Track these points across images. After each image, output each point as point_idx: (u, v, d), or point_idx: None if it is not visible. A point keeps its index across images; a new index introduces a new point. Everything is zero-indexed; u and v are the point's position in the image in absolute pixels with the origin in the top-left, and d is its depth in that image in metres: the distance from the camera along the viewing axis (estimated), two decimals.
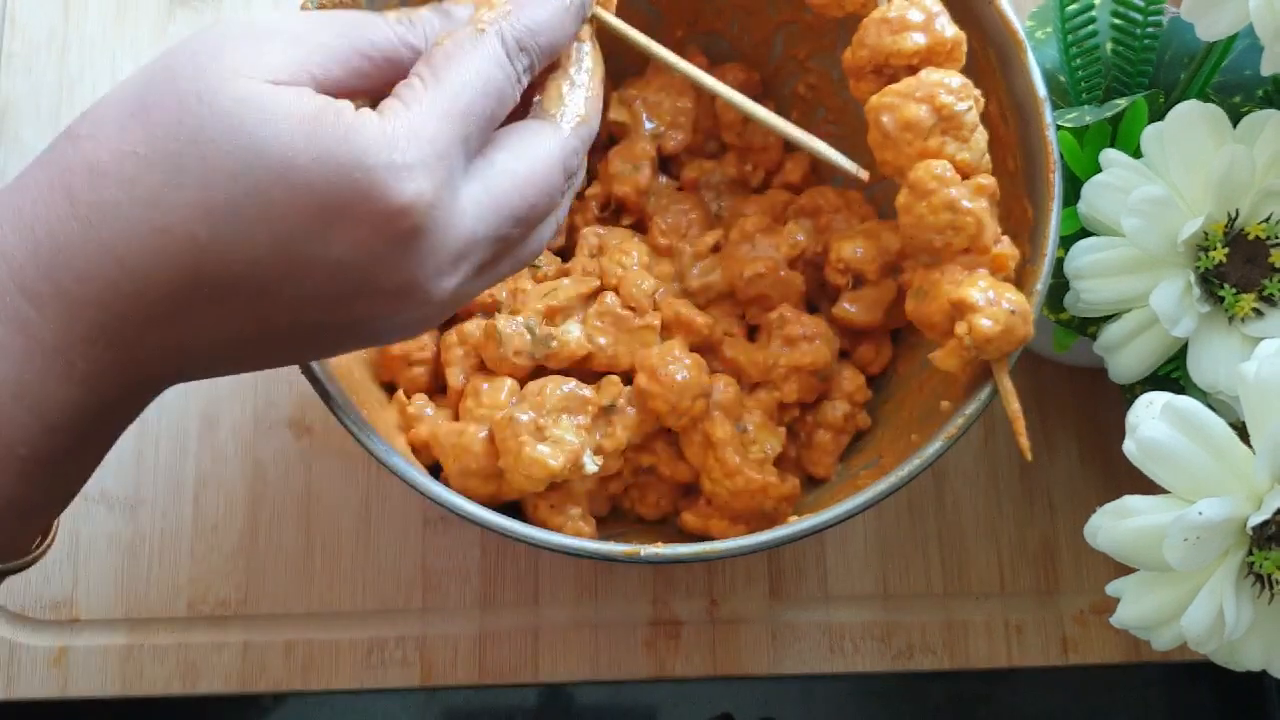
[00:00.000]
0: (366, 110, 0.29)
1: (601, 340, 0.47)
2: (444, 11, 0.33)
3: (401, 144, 0.28)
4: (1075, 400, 0.56)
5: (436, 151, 0.29)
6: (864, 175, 0.38)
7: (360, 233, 0.28)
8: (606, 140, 0.53)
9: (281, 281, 0.29)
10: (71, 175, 0.28)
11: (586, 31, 0.36)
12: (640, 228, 0.52)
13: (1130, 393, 0.44)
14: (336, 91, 0.30)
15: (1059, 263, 0.42)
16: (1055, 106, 0.43)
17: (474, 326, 0.47)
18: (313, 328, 0.30)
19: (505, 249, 0.32)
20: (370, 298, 0.30)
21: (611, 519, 0.49)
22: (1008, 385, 0.39)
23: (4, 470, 0.28)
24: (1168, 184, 0.41)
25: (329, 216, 0.28)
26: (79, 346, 0.28)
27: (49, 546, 0.33)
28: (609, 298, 0.47)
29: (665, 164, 0.54)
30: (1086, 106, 0.45)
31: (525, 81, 0.32)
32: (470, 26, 0.31)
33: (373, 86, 0.31)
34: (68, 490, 0.31)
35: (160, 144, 0.28)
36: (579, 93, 0.34)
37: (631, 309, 0.47)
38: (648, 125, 0.52)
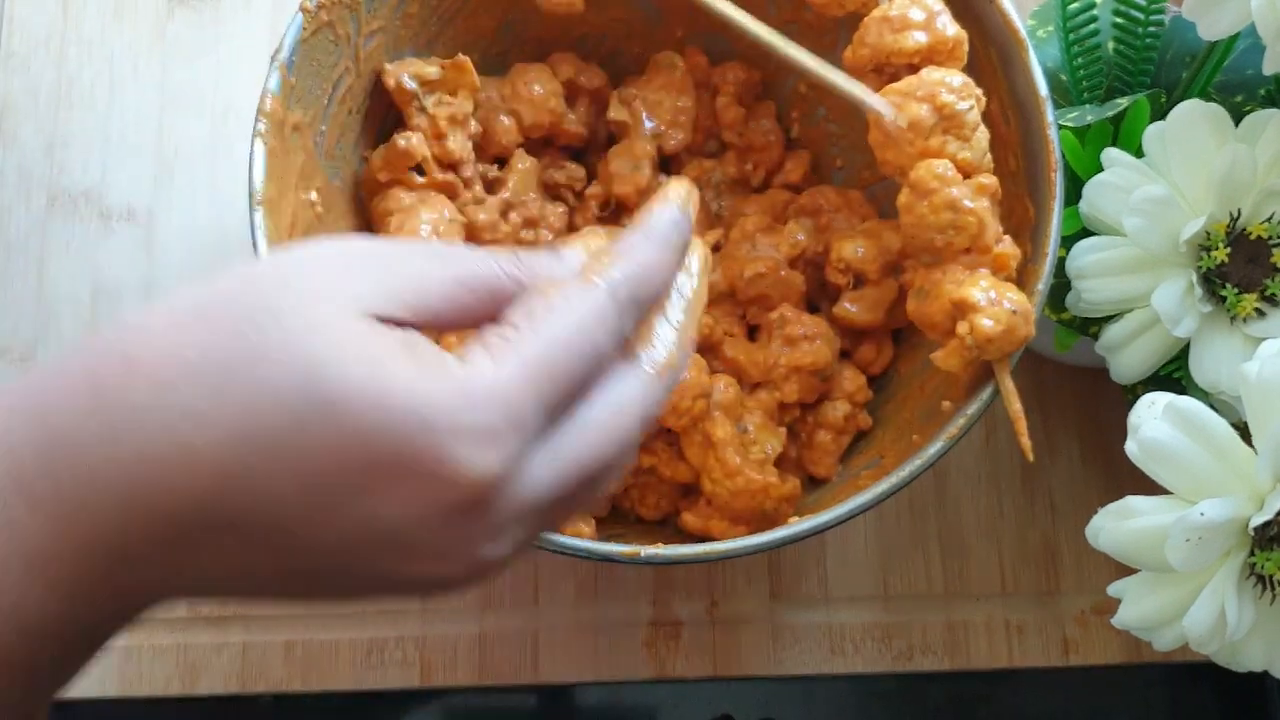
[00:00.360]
0: (447, 358, 0.26)
1: None
2: (556, 255, 0.30)
3: (477, 408, 0.25)
4: (1077, 400, 0.56)
5: (513, 421, 0.26)
6: (890, 113, 0.37)
7: (409, 496, 0.25)
8: (606, 139, 0.53)
9: (310, 529, 0.25)
10: (104, 366, 0.25)
11: (696, 249, 0.33)
12: None
13: (1132, 393, 0.44)
14: (433, 322, 0.27)
15: (1060, 262, 0.42)
16: (1057, 105, 0.43)
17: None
18: (333, 574, 0.27)
19: (568, 506, 0.29)
20: (404, 558, 0.26)
21: (611, 519, 0.49)
22: (1009, 385, 0.39)
23: None
24: (1169, 183, 0.41)
25: (376, 473, 0.25)
26: (69, 560, 0.25)
27: None
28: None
29: (665, 164, 0.54)
30: (1088, 106, 0.45)
31: (629, 333, 0.29)
32: (579, 276, 0.28)
33: (473, 321, 0.28)
34: (45, 694, 0.27)
35: (213, 353, 0.25)
36: (671, 334, 0.31)
37: None
38: (648, 125, 0.52)
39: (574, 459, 0.27)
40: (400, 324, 0.26)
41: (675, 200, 0.31)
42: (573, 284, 0.28)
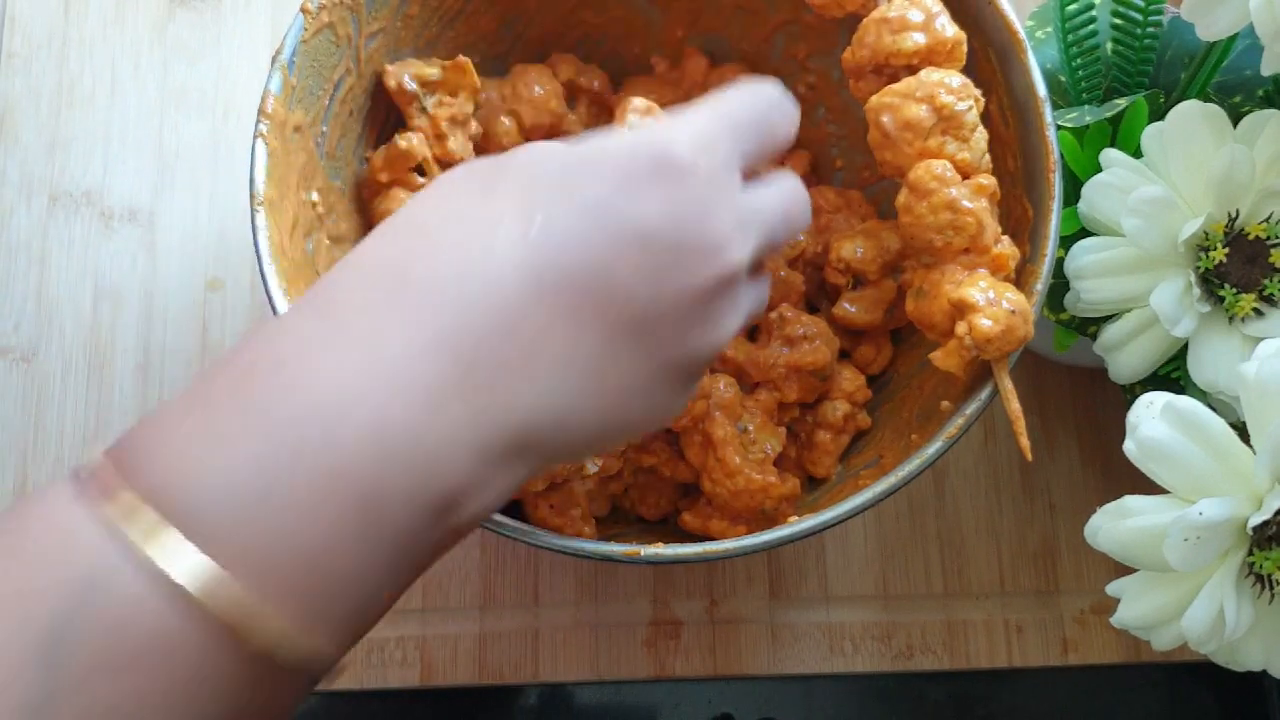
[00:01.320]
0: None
1: None
2: None
3: (685, 126, 0.32)
4: (1075, 400, 0.56)
5: (709, 139, 0.32)
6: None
7: (659, 192, 0.30)
8: None
9: (605, 263, 0.30)
10: (407, 219, 0.31)
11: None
12: None
13: (1130, 393, 0.44)
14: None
15: (1059, 263, 0.42)
16: (1055, 106, 0.43)
17: None
18: (648, 310, 0.31)
19: (767, 254, 0.35)
20: (689, 256, 0.31)
21: (611, 519, 0.49)
22: (1008, 385, 0.39)
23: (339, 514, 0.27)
24: (1168, 184, 0.41)
25: (630, 184, 0.30)
26: (430, 355, 0.28)
27: (345, 667, 0.30)
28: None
29: None
30: (1087, 106, 0.45)
31: (792, 135, 0.35)
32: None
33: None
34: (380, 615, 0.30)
35: (475, 186, 0.31)
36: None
37: None
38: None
39: (768, 200, 0.34)
40: None
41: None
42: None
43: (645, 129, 0.32)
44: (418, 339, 0.28)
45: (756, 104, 0.34)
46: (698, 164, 0.31)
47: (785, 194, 0.35)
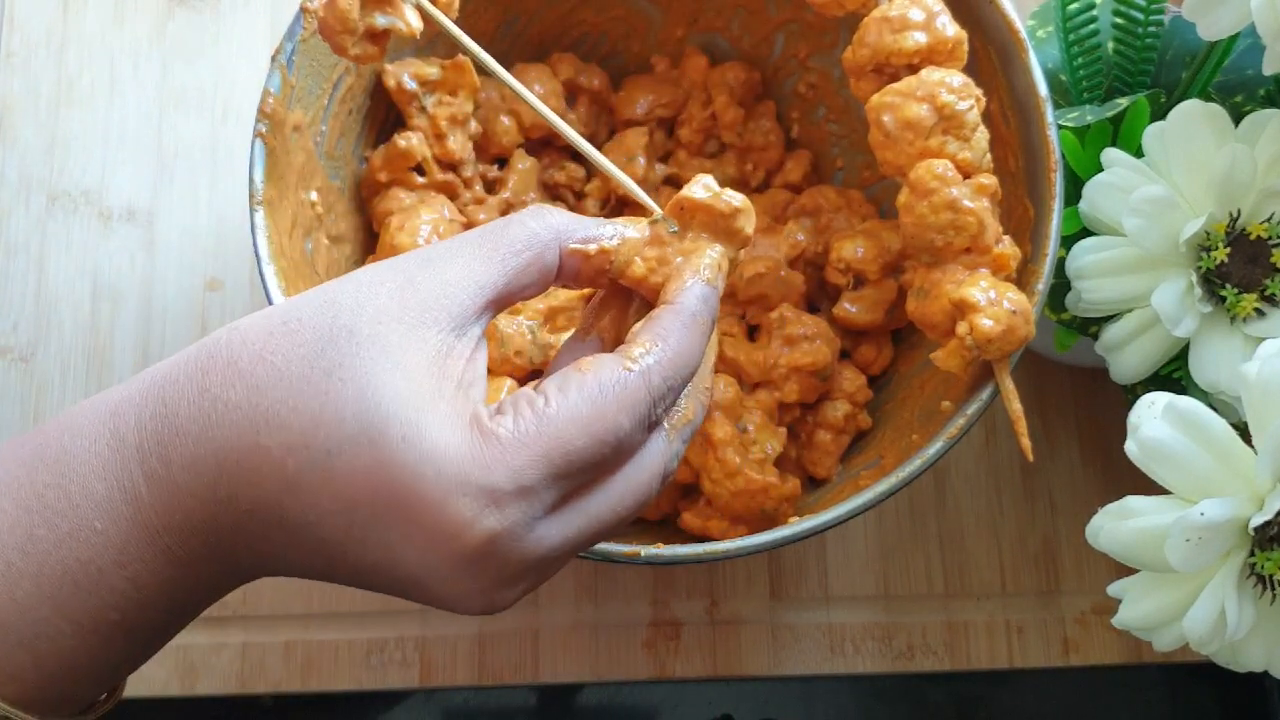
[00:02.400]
0: (480, 410, 0.29)
1: None
2: (601, 224, 0.33)
3: (488, 467, 0.28)
4: (1076, 400, 0.56)
5: (519, 487, 0.28)
6: (657, 211, 0.36)
7: (418, 539, 0.28)
8: (606, 139, 0.53)
9: (344, 544, 0.28)
10: (213, 362, 0.29)
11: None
12: None
13: (1132, 393, 0.44)
14: (510, 292, 0.31)
15: (1060, 262, 0.42)
16: (1056, 106, 0.43)
17: None
18: (374, 586, 0.30)
19: (579, 551, 0.31)
20: (423, 593, 0.29)
21: None
22: (1009, 385, 0.39)
23: (94, 632, 0.28)
24: (1169, 184, 0.41)
25: (395, 509, 0.28)
26: (176, 534, 0.29)
27: (116, 701, 0.33)
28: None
29: (665, 159, 0.54)
30: (1088, 106, 0.45)
31: (662, 420, 0.31)
32: (620, 359, 0.30)
33: (540, 288, 0.32)
34: (145, 655, 0.31)
35: (295, 365, 0.28)
36: (690, 395, 0.33)
37: None
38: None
39: (594, 517, 0.30)
40: (471, 318, 0.30)
41: (706, 271, 0.33)
42: (610, 366, 0.30)
43: (462, 443, 0.28)
44: (170, 520, 0.29)
45: (610, 421, 0.29)
46: (470, 526, 0.28)
47: (633, 482, 0.31)
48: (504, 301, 0.31)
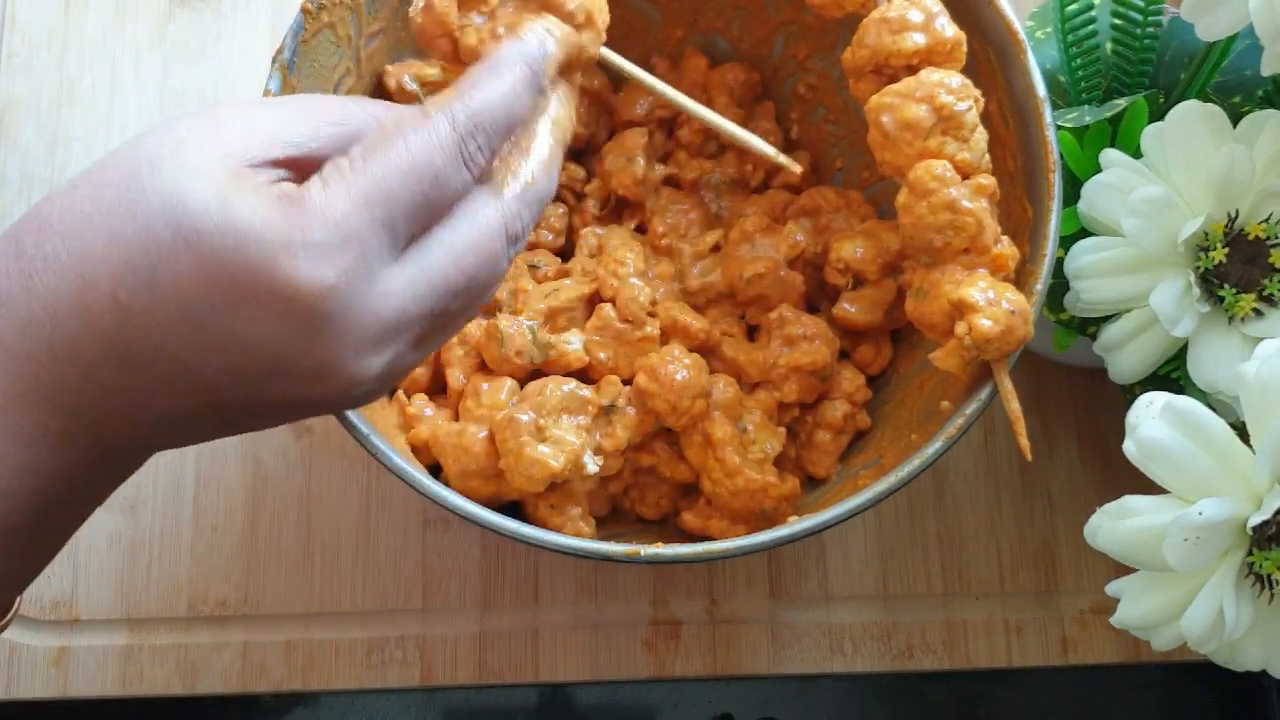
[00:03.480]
0: (287, 186, 0.29)
1: (601, 355, 0.47)
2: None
3: (307, 226, 0.27)
4: (1075, 400, 0.56)
5: (343, 235, 0.28)
6: (796, 168, 0.41)
7: (260, 314, 0.28)
8: (607, 139, 0.53)
9: (198, 355, 0.28)
10: (23, 228, 0.28)
11: (559, 87, 0.35)
12: (642, 229, 0.52)
13: (1130, 393, 0.44)
14: (298, 158, 0.30)
15: (1059, 263, 0.42)
16: (1055, 106, 0.43)
17: (475, 327, 0.47)
18: (243, 404, 0.30)
19: (445, 321, 0.31)
20: (287, 378, 0.29)
21: (611, 519, 0.49)
22: (1007, 385, 0.39)
23: None
24: (1168, 184, 0.41)
25: (231, 294, 0.27)
26: (21, 406, 0.28)
27: (8, 623, 0.32)
28: (607, 310, 0.47)
29: (665, 160, 0.54)
30: (1086, 106, 0.45)
31: (482, 161, 0.31)
32: (418, 108, 0.30)
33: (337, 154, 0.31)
34: (30, 564, 0.30)
35: (103, 203, 0.28)
36: (528, 159, 0.33)
37: (629, 322, 0.47)
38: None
39: (436, 272, 0.30)
40: (269, 164, 0.29)
41: (530, 36, 0.33)
42: (409, 113, 0.30)
43: (273, 210, 0.28)
44: (16, 389, 0.28)
45: (426, 155, 0.29)
46: (310, 282, 0.27)
47: (470, 233, 0.31)
48: (304, 165, 0.30)
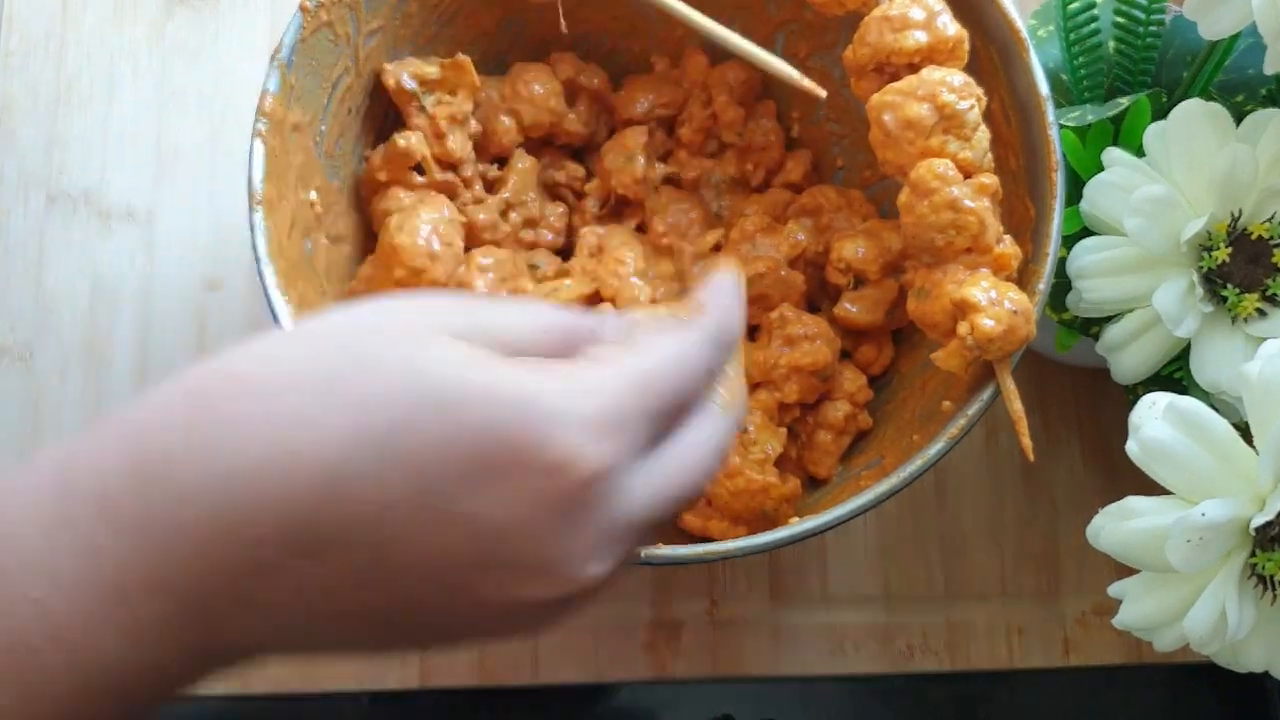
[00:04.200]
0: (551, 362, 0.26)
1: None
2: (627, 318, 0.30)
3: (587, 399, 0.25)
4: (1077, 400, 0.55)
5: (621, 419, 0.25)
6: (821, 92, 0.41)
7: (515, 490, 0.24)
8: (606, 138, 0.53)
9: (409, 537, 0.24)
10: (205, 382, 0.24)
11: None
12: (643, 228, 0.52)
13: (1133, 393, 0.44)
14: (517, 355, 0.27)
15: (1061, 262, 0.42)
16: (1057, 105, 0.43)
17: None
18: (428, 606, 0.26)
19: (655, 531, 0.28)
20: (506, 571, 0.25)
21: None
22: (1010, 385, 0.39)
23: None
24: (1170, 183, 0.41)
25: (485, 466, 0.24)
26: (143, 587, 0.23)
27: None
28: (606, 310, 0.47)
29: (665, 159, 0.54)
30: (1089, 105, 0.45)
31: (716, 382, 0.30)
32: (670, 317, 0.29)
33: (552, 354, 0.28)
34: None
35: (319, 364, 0.24)
36: (736, 384, 0.32)
37: None
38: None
39: (672, 481, 0.27)
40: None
41: (730, 272, 0.32)
42: (664, 319, 0.29)
43: (547, 396, 0.25)
44: (141, 572, 0.23)
45: (681, 365, 0.27)
46: (584, 464, 0.24)
47: (703, 448, 0.28)
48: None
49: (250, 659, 0.26)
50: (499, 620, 0.26)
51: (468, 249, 0.47)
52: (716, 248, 0.50)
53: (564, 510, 0.25)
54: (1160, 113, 0.42)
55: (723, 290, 0.31)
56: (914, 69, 0.39)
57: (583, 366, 0.26)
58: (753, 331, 0.50)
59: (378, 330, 0.25)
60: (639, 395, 0.26)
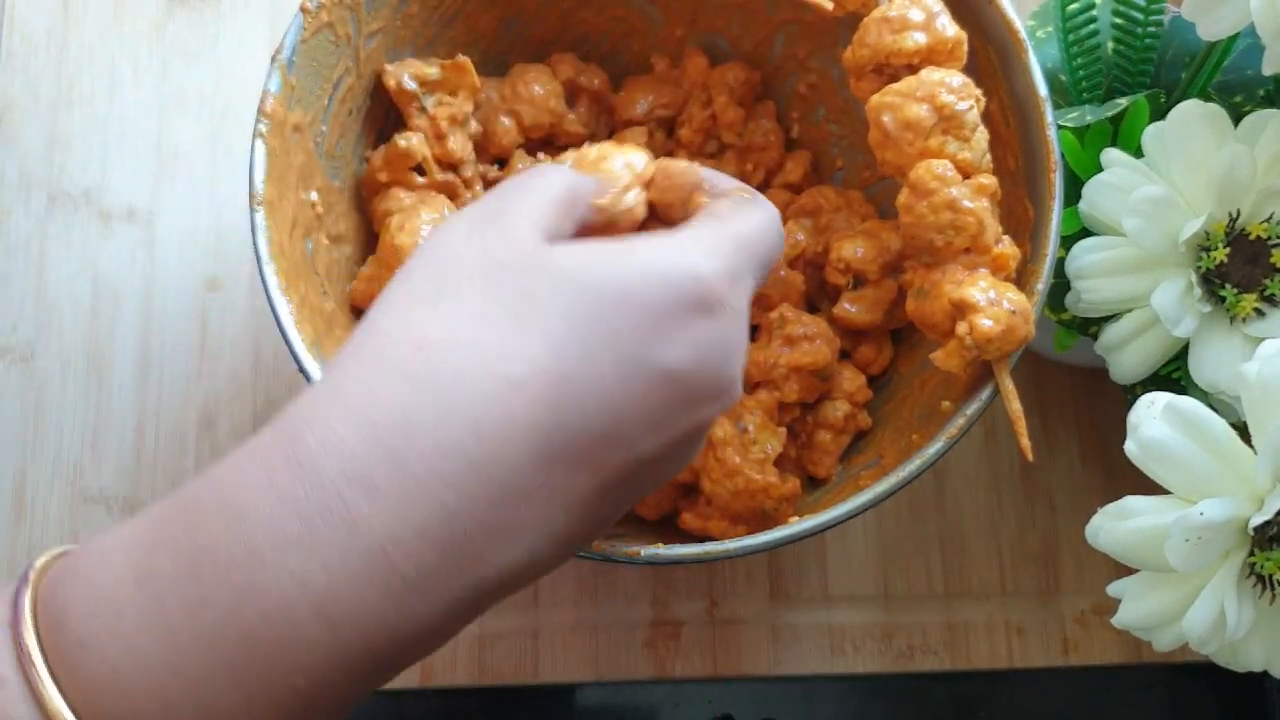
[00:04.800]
0: (672, 232, 0.31)
1: None
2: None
3: (726, 254, 0.30)
4: (1076, 400, 0.56)
5: (736, 268, 0.30)
6: (828, 4, 0.42)
7: (694, 336, 0.29)
8: (607, 139, 0.53)
9: (630, 405, 0.28)
10: (401, 355, 0.27)
11: None
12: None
13: (1131, 393, 0.44)
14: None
15: (1060, 262, 0.42)
16: (1056, 106, 0.43)
17: None
18: (646, 463, 0.29)
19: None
20: (703, 402, 0.30)
21: None
22: (1009, 385, 0.39)
23: (273, 702, 0.25)
24: (1169, 184, 0.41)
25: (665, 324, 0.28)
26: (410, 541, 0.25)
27: None
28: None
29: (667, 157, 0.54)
30: (1087, 106, 0.45)
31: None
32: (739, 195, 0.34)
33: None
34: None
35: (491, 304, 0.27)
36: None
37: None
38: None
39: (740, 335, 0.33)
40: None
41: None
42: (735, 195, 0.34)
43: (671, 249, 0.29)
44: (404, 529, 0.25)
45: (770, 233, 0.33)
46: (726, 301, 0.29)
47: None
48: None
49: (480, 608, 0.27)
50: (695, 444, 0.31)
51: None
52: None
53: (729, 339, 0.30)
54: (1159, 113, 0.42)
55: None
56: (913, 70, 0.40)
57: (702, 228, 0.31)
58: (753, 331, 0.50)
59: (510, 255, 0.28)
60: (745, 250, 0.31)
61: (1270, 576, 0.34)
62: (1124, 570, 0.36)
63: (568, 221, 0.31)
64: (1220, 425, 0.34)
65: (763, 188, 0.54)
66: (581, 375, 0.27)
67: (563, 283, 0.28)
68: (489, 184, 0.51)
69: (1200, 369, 0.41)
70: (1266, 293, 0.40)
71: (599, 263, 0.28)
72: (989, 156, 0.40)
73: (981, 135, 0.40)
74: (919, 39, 0.39)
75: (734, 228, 0.31)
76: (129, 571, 0.25)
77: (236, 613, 0.24)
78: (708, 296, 0.29)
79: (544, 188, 0.31)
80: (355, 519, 0.25)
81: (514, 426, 0.26)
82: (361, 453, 0.25)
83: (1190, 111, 0.40)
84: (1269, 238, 0.40)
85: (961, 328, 0.38)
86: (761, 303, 0.49)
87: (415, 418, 0.25)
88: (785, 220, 0.51)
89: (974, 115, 0.39)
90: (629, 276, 0.28)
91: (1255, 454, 0.33)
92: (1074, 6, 0.45)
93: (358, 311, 0.46)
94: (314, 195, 0.45)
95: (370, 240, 0.49)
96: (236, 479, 0.25)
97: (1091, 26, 0.45)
